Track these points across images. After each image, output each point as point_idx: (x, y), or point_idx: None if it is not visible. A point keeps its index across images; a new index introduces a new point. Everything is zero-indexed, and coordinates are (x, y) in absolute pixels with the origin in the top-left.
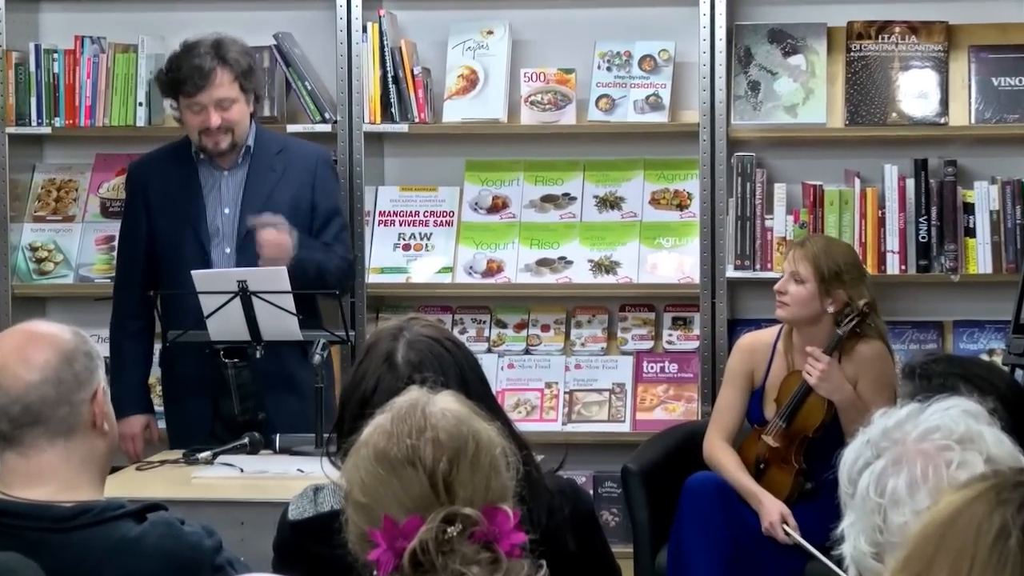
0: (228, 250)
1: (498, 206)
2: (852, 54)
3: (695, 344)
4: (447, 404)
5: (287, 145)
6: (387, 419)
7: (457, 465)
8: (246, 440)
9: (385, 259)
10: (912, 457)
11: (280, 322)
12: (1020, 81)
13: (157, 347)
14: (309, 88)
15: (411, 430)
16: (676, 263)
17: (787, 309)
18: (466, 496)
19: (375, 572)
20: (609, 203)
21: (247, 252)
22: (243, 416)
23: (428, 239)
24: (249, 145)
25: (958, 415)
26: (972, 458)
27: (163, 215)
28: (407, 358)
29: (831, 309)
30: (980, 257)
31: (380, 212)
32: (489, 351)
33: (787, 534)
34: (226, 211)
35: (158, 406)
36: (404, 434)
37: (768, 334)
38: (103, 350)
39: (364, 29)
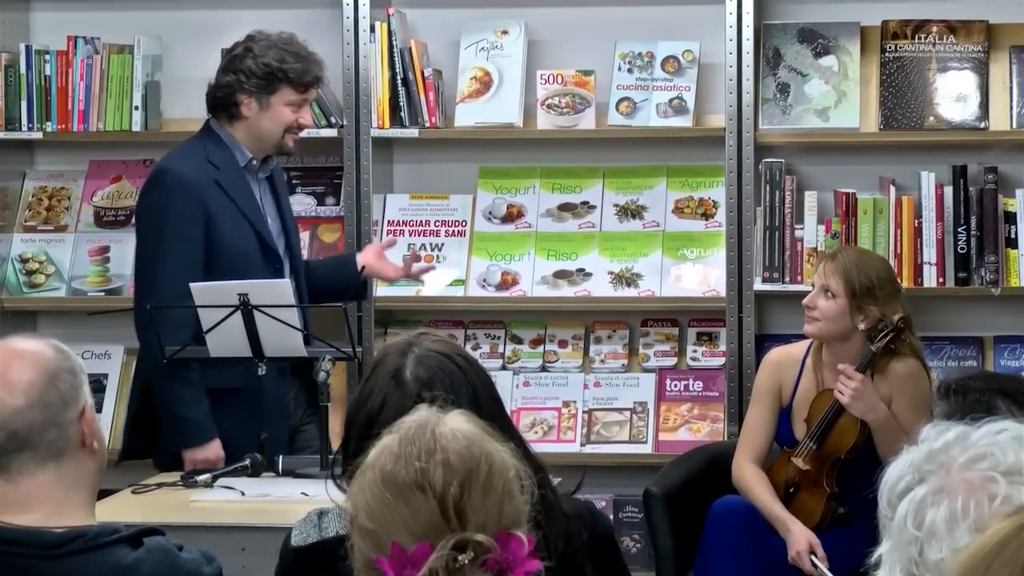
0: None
1: (513, 215)
2: (887, 55)
3: (721, 361)
4: (458, 424)
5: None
6: (395, 440)
7: (469, 489)
8: (247, 462)
9: None
10: (954, 487)
11: (283, 337)
12: None
13: None
14: None
15: (420, 452)
16: (701, 275)
17: (816, 325)
18: (478, 522)
19: None
20: (630, 212)
21: (292, 265)
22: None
23: (439, 250)
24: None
25: (1008, 442)
26: (1017, 493)
27: (225, 223)
28: (416, 375)
29: (862, 326)
30: (1022, 269)
31: (389, 221)
32: (504, 368)
33: (814, 565)
34: (269, 221)
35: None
36: (413, 456)
37: (797, 349)
38: (90, 366)
39: (372, 29)
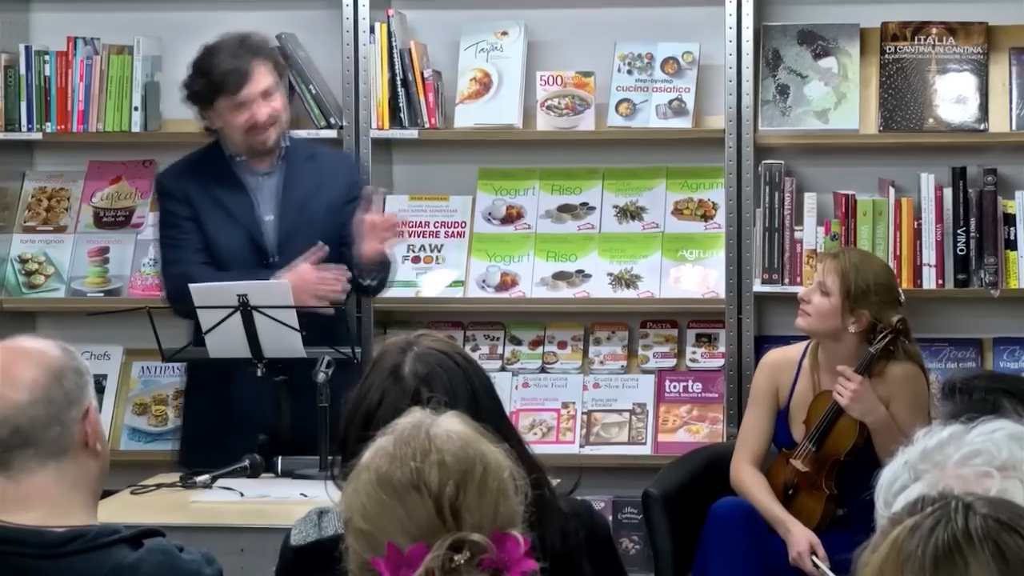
0: (276, 258)
1: (512, 216)
2: (886, 56)
3: (720, 362)
4: (452, 425)
5: (316, 153)
6: (389, 441)
7: (464, 489)
8: (246, 463)
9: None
10: (949, 484)
11: (283, 338)
12: None
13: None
14: (314, 92)
15: (415, 452)
16: (700, 277)
17: (806, 319)
18: (474, 522)
19: None
20: (630, 213)
21: (287, 258)
22: (294, 434)
23: (439, 251)
24: (285, 146)
25: (1003, 439)
26: (1012, 487)
27: (213, 223)
28: (414, 371)
29: (852, 328)
30: (1021, 271)
31: None
32: (503, 369)
33: (815, 565)
34: (268, 218)
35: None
36: (408, 457)
37: (794, 351)
38: (94, 367)
39: (372, 30)
